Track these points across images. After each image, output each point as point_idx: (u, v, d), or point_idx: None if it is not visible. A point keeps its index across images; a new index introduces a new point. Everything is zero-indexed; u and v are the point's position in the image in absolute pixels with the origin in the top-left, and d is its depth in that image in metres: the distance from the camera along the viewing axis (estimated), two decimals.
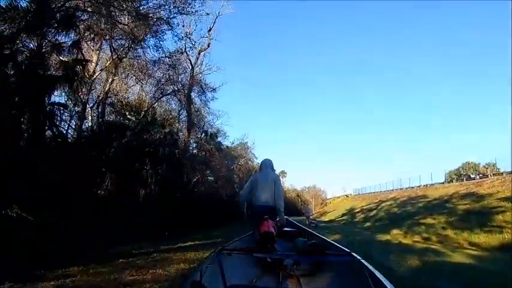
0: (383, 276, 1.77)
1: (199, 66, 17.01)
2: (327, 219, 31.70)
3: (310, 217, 24.56)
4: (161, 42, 12.74)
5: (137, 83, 13.45)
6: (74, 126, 10.92)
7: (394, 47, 75.62)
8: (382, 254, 6.39)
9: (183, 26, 15.82)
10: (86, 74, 9.00)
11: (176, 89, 13.29)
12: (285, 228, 4.17)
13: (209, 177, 20.56)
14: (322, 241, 3.52)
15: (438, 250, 8.15)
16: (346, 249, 2.68)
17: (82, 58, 8.93)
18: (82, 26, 10.01)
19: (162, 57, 12.85)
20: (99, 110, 12.08)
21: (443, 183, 25.68)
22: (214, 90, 17.14)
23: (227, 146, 24.48)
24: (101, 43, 12.54)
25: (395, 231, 14.55)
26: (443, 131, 72.69)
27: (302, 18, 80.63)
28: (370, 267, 1.99)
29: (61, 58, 8.66)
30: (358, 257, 2.24)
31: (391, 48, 76.82)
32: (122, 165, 11.38)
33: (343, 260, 2.44)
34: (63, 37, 9.10)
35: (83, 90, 9.84)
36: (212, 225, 13.15)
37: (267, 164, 3.78)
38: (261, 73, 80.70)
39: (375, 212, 24.44)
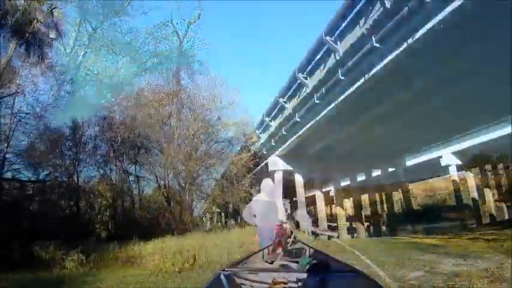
0: None
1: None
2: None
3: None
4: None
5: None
6: None
7: None
8: None
9: None
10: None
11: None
12: (289, 245, 3.91)
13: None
14: (326, 257, 3.23)
15: None
16: (350, 266, 2.51)
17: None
18: None
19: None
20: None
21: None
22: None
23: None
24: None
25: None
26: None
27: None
28: (376, 284, 1.90)
29: None
30: (363, 272, 2.19)
31: None
32: None
33: (348, 276, 2.25)
34: None
35: None
36: None
37: (268, 184, 4.18)
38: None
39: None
